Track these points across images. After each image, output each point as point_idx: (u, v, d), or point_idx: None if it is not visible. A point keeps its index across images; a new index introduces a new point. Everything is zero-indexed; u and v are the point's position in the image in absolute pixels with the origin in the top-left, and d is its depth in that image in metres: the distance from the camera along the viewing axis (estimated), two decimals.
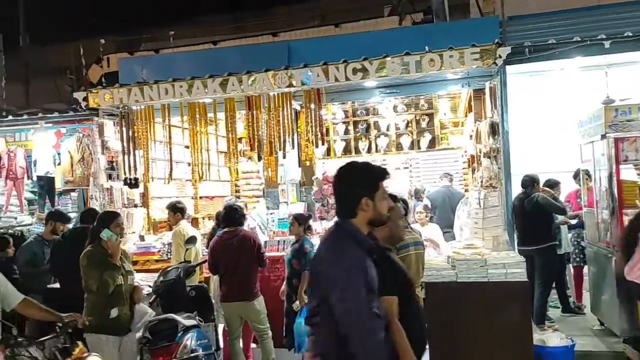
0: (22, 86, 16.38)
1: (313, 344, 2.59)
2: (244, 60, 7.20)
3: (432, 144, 9.82)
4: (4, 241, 6.03)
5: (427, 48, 5.94)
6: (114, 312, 4.53)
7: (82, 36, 15.43)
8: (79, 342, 3.96)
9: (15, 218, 8.37)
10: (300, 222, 5.89)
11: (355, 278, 2.42)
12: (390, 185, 9.45)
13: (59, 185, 7.65)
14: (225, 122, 6.84)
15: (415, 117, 9.91)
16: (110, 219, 4.73)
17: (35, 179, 7.95)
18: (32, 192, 8.46)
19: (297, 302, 5.67)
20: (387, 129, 9.99)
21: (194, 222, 8.63)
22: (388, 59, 6.02)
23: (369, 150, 10.05)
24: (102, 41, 11.94)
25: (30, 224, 8.12)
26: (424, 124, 9.87)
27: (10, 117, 7.76)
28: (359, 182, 2.62)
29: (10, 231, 7.35)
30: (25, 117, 7.74)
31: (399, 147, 9.96)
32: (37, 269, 6.03)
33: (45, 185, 7.91)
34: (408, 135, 9.91)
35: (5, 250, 5.93)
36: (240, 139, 7.96)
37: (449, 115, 9.91)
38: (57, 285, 5.70)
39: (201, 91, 6.54)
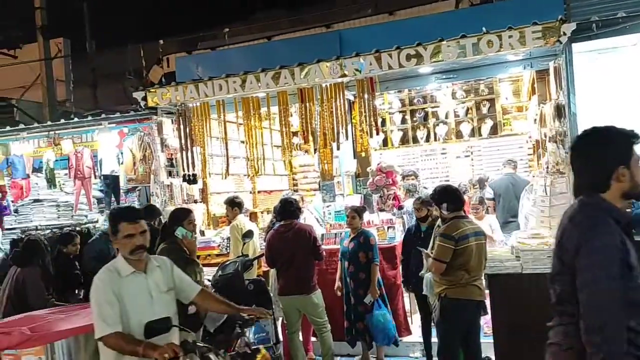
0: (89, 90, 17.13)
1: (563, 336, 2.24)
2: (296, 53, 7.16)
3: (494, 131, 9.45)
4: (70, 237, 6.26)
5: (484, 29, 5.67)
6: (191, 309, 4.27)
7: (144, 39, 15.97)
8: (260, 348, 3.89)
9: (86, 216, 8.74)
10: (361, 214, 5.85)
11: (611, 264, 2.04)
12: (451, 175, 9.23)
13: (122, 183, 7.91)
14: (278, 115, 6.82)
15: (475, 103, 9.56)
16: (184, 216, 4.61)
17: (101, 177, 8.25)
18: (99, 190, 8.80)
19: (369, 296, 5.61)
20: (446, 117, 9.69)
21: (253, 216, 8.72)
22: (443, 43, 5.79)
23: (427, 139, 9.80)
24: (161, 42, 12.27)
25: (97, 221, 8.45)
26: (484, 110, 9.51)
27: (75, 119, 8.08)
28: (611, 148, 2.23)
29: (77, 228, 7.66)
30: (89, 118, 8.03)
31: (459, 134, 9.65)
32: (103, 265, 6.25)
33: (111, 184, 8.19)
34: (468, 122, 9.58)
35: (69, 246, 6.14)
36: (294, 132, 7.96)
37: (511, 100, 9.49)
38: None
39: (254, 85, 6.55)
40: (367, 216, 6.39)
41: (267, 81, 6.50)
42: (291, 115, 7.24)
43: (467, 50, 5.69)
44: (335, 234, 6.74)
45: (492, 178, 8.43)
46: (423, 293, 4.98)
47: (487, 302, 4.72)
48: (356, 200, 7.05)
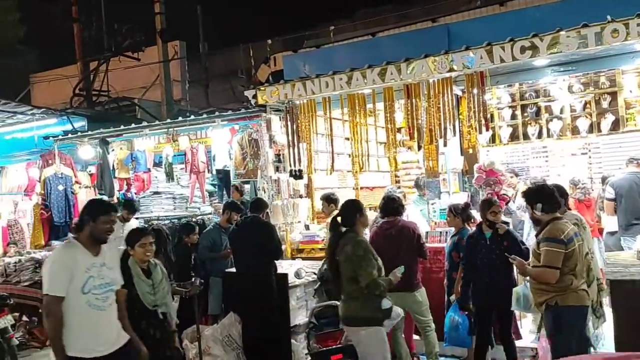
0: (202, 89, 18.12)
1: None
2: (401, 48, 7.11)
3: (615, 126, 8.74)
4: (190, 227, 6.66)
5: (609, 17, 5.27)
6: (385, 303, 4.22)
7: (252, 39, 16.62)
8: None
9: (199, 208, 9.29)
10: (456, 212, 5.64)
11: None
12: (566, 173, 8.67)
13: (232, 178, 8.31)
14: (384, 112, 6.81)
15: (595, 96, 8.90)
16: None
17: (214, 172, 8.72)
18: (211, 184, 9.31)
19: (453, 296, 5.48)
20: (561, 112, 9.12)
21: None
22: (562, 33, 5.46)
23: (539, 136, 9.28)
24: (269, 42, 12.68)
25: (211, 214, 8.94)
26: (605, 104, 8.82)
27: (192, 117, 8.60)
28: None
29: (193, 220, 8.16)
30: (204, 116, 8.52)
31: (575, 130, 9.04)
32: (217, 254, 6.63)
33: (223, 178, 8.64)
34: (586, 117, 8.95)
35: (191, 236, 6.54)
36: (399, 128, 7.89)
37: (635, 93, 8.72)
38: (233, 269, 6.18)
39: (360, 82, 6.59)
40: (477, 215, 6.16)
41: (373, 77, 6.51)
42: (395, 112, 7.20)
43: (588, 40, 5.34)
44: (441, 232, 6.60)
45: (612, 177, 7.82)
46: (512, 308, 4.72)
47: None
48: (462, 199, 6.85)
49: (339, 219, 4.37)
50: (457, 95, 6.65)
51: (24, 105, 10.02)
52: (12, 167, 11.00)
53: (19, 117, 9.77)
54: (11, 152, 10.58)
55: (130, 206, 7.55)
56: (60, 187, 9.26)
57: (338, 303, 4.73)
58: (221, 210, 7.06)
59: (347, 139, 7.39)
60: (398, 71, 6.35)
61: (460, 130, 6.82)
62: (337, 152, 7.88)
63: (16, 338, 6.90)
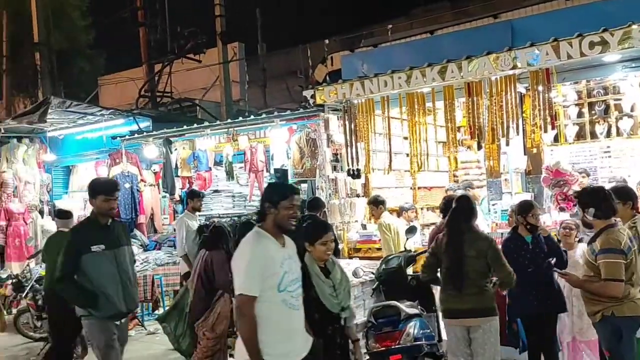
0: (259, 89, 18.46)
1: None
2: (462, 46, 6.99)
3: None
4: (251, 225, 6.75)
5: None
6: None
7: (309, 40, 16.75)
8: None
9: (257, 207, 9.45)
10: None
11: None
12: (637, 174, 8.25)
13: (290, 177, 8.41)
14: (444, 110, 6.71)
15: None
16: None
17: (272, 171, 8.86)
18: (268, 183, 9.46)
19: None
20: (632, 109, 8.67)
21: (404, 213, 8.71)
22: (634, 27, 5.22)
23: (608, 134, 8.87)
24: (327, 42, 12.74)
25: None
26: None
27: (251, 117, 8.76)
28: None
29: (253, 218, 8.30)
30: (263, 116, 8.67)
31: None
32: None
33: (281, 177, 8.75)
34: None
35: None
36: (458, 127, 7.75)
37: None
38: None
39: (420, 81, 6.53)
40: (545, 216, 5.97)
41: (432, 76, 6.43)
42: (455, 111, 7.08)
43: None
44: (502, 233, 6.43)
45: None
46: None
47: None
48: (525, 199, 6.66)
49: (456, 215, 4.40)
50: (521, 93, 6.47)
51: (94, 107, 10.52)
52: (82, 166, 11.57)
53: (88, 117, 10.25)
54: (81, 152, 11.14)
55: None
56: (127, 185, 9.65)
57: (397, 303, 4.71)
58: None
59: (405, 138, 7.33)
60: (459, 69, 6.24)
61: (523, 129, 6.63)
62: (395, 152, 7.83)
63: None
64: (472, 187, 7.52)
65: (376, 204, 6.81)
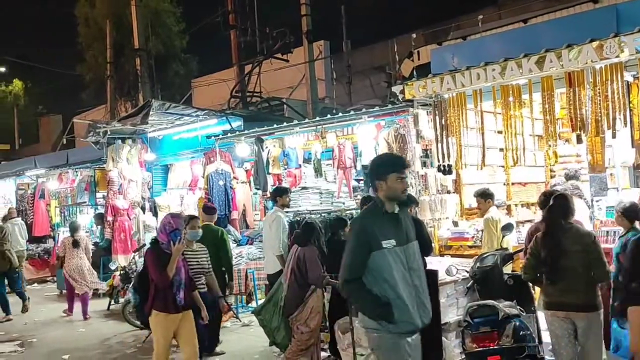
0: (344, 86, 18.54)
1: None
2: (560, 34, 6.65)
3: None
4: (343, 222, 6.76)
5: None
6: None
7: (395, 34, 16.61)
8: None
9: (343, 203, 9.51)
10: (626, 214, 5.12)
11: None
12: None
13: None
14: (542, 102, 6.40)
15: None
16: None
17: (360, 168, 8.87)
18: (356, 179, 9.47)
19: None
20: None
21: (507, 209, 8.39)
22: None
23: None
24: (414, 36, 12.55)
25: (356, 209, 9.10)
26: None
27: (339, 114, 8.82)
28: None
29: (343, 214, 8.36)
30: (351, 113, 8.69)
31: None
32: None
33: (369, 173, 8.74)
34: None
35: (345, 229, 6.66)
36: (556, 119, 7.35)
37: None
38: None
39: (515, 72, 6.27)
40: None
41: (529, 67, 6.16)
42: (554, 103, 6.73)
43: None
44: (607, 231, 6.06)
45: None
46: None
47: None
48: (635, 195, 6.20)
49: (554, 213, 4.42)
50: (628, 82, 6.03)
51: (190, 108, 11.05)
52: (179, 165, 12.21)
53: (185, 118, 10.79)
54: (178, 151, 11.75)
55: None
56: (221, 182, 10.06)
57: (495, 303, 4.58)
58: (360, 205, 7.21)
59: (499, 132, 7.07)
60: (558, 58, 5.92)
61: (631, 120, 6.18)
62: (488, 146, 7.57)
63: None
64: (578, 178, 7.14)
65: (484, 196, 6.61)
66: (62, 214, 15.10)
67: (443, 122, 7.17)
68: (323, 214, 8.69)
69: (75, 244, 9.62)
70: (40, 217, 14.18)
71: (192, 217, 6.30)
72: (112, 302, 10.10)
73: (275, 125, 9.43)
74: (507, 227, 5.88)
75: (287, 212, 8.12)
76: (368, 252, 3.45)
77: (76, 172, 13.89)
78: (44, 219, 14.21)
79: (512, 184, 8.89)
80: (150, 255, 5.02)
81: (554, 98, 6.41)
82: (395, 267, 3.46)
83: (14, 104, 31.65)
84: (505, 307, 4.55)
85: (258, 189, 9.71)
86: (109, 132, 11.09)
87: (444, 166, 7.29)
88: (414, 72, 9.17)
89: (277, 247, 7.24)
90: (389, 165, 3.62)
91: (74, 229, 9.87)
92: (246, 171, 10.50)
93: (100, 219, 11.97)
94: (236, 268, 8.56)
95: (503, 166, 8.44)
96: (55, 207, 15.17)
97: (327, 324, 5.98)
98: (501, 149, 7.67)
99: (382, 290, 3.43)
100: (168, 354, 5.14)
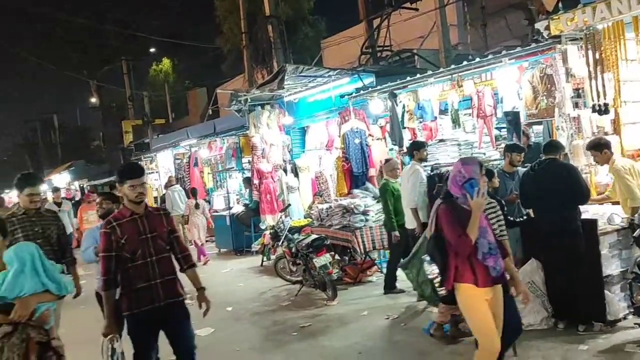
0: (478, 31, 17.44)
1: None
2: None
3: None
4: (491, 173, 6.41)
5: None
6: None
7: None
8: None
9: (484, 154, 9.06)
10: None
11: None
12: None
13: (522, 119, 7.83)
14: None
15: None
16: None
17: (501, 115, 8.36)
18: (497, 128, 8.96)
19: None
20: None
21: None
22: None
23: None
24: None
25: (499, 159, 8.64)
26: None
27: (477, 60, 8.32)
28: None
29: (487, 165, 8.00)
30: (490, 57, 8.15)
31: None
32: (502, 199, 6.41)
33: (512, 120, 8.20)
34: None
35: (492, 180, 6.34)
36: None
37: None
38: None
39: None
40: None
41: None
42: None
43: None
44: None
45: None
46: None
47: None
48: None
49: None
50: None
51: (323, 68, 11.18)
52: (315, 126, 12.51)
53: (318, 80, 10.95)
54: (313, 113, 12.01)
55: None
56: (357, 141, 10.14)
57: None
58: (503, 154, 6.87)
59: None
60: None
61: None
62: None
63: (334, 274, 7.97)
64: None
65: (598, 148, 5.93)
66: (215, 180, 16.42)
67: (597, 57, 6.47)
68: None
69: (197, 206, 12.36)
70: (196, 183, 15.52)
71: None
72: (265, 259, 10.84)
73: (408, 78, 9.21)
74: None
75: (424, 166, 8.01)
76: None
77: (223, 140, 14.91)
78: (199, 185, 15.53)
79: None
80: (444, 214, 3.98)
81: None
82: None
83: (165, 81, 34.62)
84: None
85: (395, 144, 9.64)
86: (249, 100, 11.66)
87: (599, 105, 6.60)
88: (560, 4, 8.21)
89: (412, 200, 7.20)
90: None
91: (194, 194, 12.81)
92: (381, 127, 10.45)
93: (247, 182, 12.86)
94: (378, 224, 8.68)
95: None
96: (208, 173, 16.53)
97: None
98: None
99: None
100: (495, 333, 3.81)
